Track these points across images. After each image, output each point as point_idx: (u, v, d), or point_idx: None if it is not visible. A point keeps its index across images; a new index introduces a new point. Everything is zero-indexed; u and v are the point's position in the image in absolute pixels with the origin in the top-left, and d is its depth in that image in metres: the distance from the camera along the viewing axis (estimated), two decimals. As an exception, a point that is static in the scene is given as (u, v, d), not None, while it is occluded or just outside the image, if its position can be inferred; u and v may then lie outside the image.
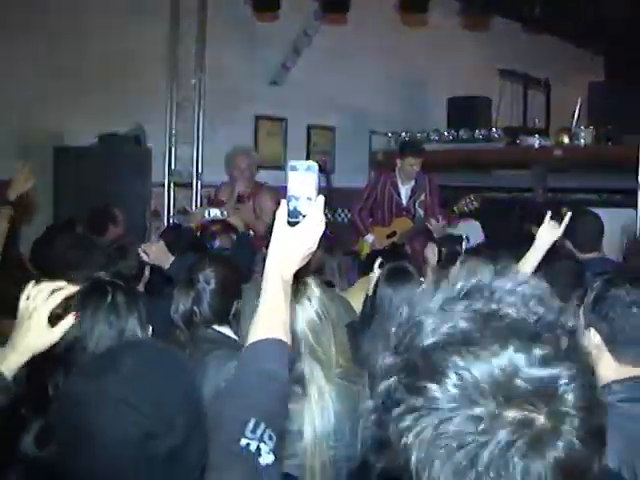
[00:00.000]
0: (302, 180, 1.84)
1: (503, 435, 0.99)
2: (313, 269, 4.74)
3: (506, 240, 8.71)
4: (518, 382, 1.01)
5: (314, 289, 2.57)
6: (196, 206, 9.05)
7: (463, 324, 1.08)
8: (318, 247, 1.87)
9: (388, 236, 7.15)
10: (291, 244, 1.85)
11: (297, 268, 1.89)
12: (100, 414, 1.52)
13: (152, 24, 8.78)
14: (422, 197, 7.26)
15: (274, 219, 1.86)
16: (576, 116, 9.34)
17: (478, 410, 1.01)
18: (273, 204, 6.81)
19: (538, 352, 1.03)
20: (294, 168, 1.85)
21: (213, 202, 7.27)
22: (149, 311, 3.14)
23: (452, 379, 1.03)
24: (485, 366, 1.03)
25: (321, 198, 1.86)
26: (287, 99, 10.17)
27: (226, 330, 3.29)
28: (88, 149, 8.40)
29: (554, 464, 0.99)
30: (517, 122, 10.62)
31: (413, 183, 7.33)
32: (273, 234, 1.88)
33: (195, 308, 3.23)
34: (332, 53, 10.13)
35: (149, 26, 8.73)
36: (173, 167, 9.07)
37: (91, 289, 2.70)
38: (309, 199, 1.84)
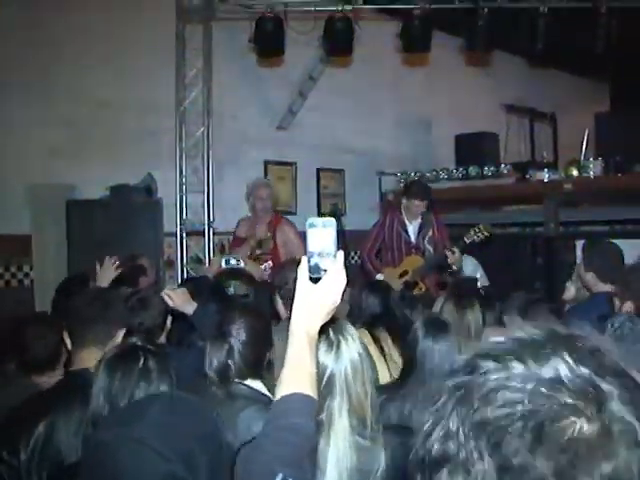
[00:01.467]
0: (321, 236, 1.87)
1: None
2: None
3: (518, 275, 8.71)
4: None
5: (351, 331, 2.49)
6: (209, 254, 9.06)
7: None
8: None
9: (400, 275, 7.10)
10: (315, 300, 1.88)
11: (322, 323, 1.92)
12: (123, 456, 1.59)
13: (158, 73, 8.87)
14: (430, 233, 7.23)
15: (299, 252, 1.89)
16: (584, 148, 9.34)
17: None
18: (297, 236, 7.03)
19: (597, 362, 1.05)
20: (312, 225, 1.88)
21: (233, 241, 7.43)
22: (175, 362, 3.17)
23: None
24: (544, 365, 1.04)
25: (341, 253, 1.88)
26: (295, 143, 10.24)
27: (258, 385, 3.23)
28: (99, 201, 8.42)
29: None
30: (525, 156, 10.65)
31: (420, 220, 7.31)
32: (297, 290, 1.90)
33: (229, 362, 3.18)
34: (337, 96, 10.22)
35: (154, 74, 8.81)
36: (184, 216, 9.08)
37: (123, 354, 2.68)
38: (329, 254, 1.87)
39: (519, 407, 1.01)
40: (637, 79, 8.32)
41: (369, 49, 9.64)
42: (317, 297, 1.88)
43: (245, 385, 3.15)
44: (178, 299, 4.39)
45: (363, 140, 10.51)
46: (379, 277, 7.09)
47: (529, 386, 1.02)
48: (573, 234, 9.28)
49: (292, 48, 8.74)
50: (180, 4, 8.98)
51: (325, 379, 2.38)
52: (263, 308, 4.67)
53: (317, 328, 1.91)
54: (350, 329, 2.48)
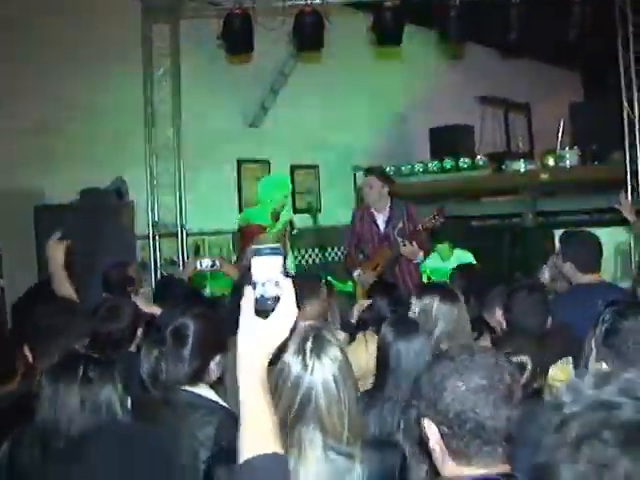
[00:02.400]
0: (267, 264, 1.69)
1: None
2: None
3: (498, 267, 8.64)
4: None
5: (337, 351, 2.33)
6: (183, 256, 8.91)
7: None
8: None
9: (374, 269, 7.05)
10: (262, 338, 1.71)
11: (269, 358, 1.75)
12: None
13: (126, 74, 8.70)
14: (400, 224, 7.15)
15: None
16: (559, 137, 9.30)
17: None
18: None
19: None
20: (258, 252, 1.70)
21: None
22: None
23: None
24: None
25: (289, 281, 1.72)
26: (268, 140, 10.11)
27: (204, 391, 3.10)
28: (69, 206, 8.25)
29: None
30: (500, 147, 10.58)
31: (388, 210, 7.24)
32: (241, 327, 1.72)
33: (160, 366, 3.04)
34: (310, 91, 10.10)
35: (121, 76, 8.64)
36: (157, 218, 8.91)
37: (63, 363, 2.62)
38: (276, 283, 1.69)
39: None
40: (610, 67, 8.27)
41: (340, 43, 9.51)
42: (265, 335, 1.71)
43: (189, 392, 3.02)
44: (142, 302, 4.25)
45: (337, 135, 10.39)
46: (355, 274, 7.06)
47: None
48: (551, 224, 9.23)
49: (262, 44, 8.62)
50: (146, 3, 8.80)
51: (297, 402, 2.26)
52: (234, 311, 4.54)
53: (265, 364, 1.73)
54: (329, 347, 2.33)
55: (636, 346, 2.38)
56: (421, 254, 7.05)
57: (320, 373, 2.27)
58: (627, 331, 2.39)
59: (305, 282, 4.51)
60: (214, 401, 3.07)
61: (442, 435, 1.91)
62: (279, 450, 1.69)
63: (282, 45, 9.32)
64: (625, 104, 8.07)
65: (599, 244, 5.03)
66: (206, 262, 5.93)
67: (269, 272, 1.69)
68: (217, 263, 5.96)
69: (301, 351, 2.27)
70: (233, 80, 9.80)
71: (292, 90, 10.01)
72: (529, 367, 2.97)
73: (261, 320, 1.70)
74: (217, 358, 3.11)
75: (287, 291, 1.70)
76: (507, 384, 1.88)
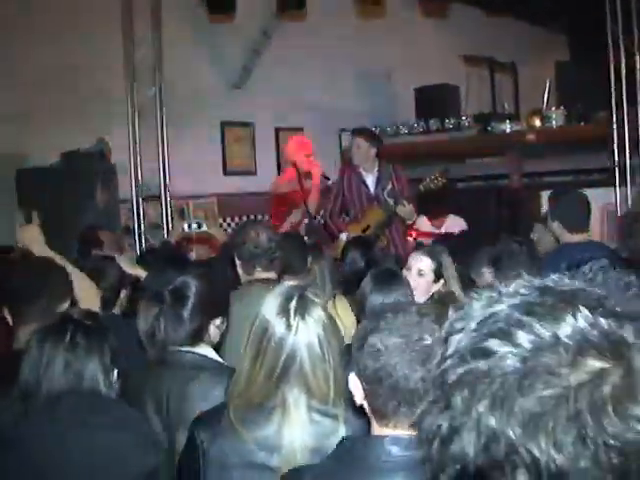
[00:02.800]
0: None
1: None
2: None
3: (484, 228, 8.61)
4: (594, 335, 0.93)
5: (321, 311, 2.32)
6: (167, 219, 8.79)
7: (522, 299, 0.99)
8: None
9: (363, 231, 6.96)
10: None
11: None
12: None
13: (106, 33, 8.53)
14: (389, 186, 7.09)
15: None
16: (546, 97, 9.24)
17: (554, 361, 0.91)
18: None
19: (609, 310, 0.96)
20: None
21: None
22: (127, 333, 3.01)
23: (525, 336, 0.93)
24: (557, 325, 0.94)
25: None
26: (252, 102, 9.97)
27: (206, 351, 3.05)
28: (51, 169, 8.15)
29: None
30: (486, 108, 10.48)
31: (377, 171, 7.18)
32: None
33: (158, 325, 2.98)
34: (293, 52, 9.94)
35: (102, 36, 8.49)
36: (140, 181, 8.76)
37: (51, 327, 2.58)
38: None
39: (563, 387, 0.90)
40: (596, 27, 8.19)
41: (323, 2, 9.38)
42: None
43: (191, 352, 2.97)
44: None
45: (321, 97, 10.26)
46: (342, 237, 6.95)
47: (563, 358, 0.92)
48: (538, 185, 9.21)
49: (245, 4, 8.50)
50: (125, -40, 8.60)
51: (281, 363, 2.25)
52: (224, 273, 4.49)
53: None
54: (313, 307, 2.30)
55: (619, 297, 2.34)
56: (415, 216, 7.02)
57: (304, 334, 2.25)
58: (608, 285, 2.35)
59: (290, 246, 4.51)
60: (218, 361, 3.04)
61: (365, 393, 1.89)
62: None
63: (265, 4, 9.17)
64: (611, 63, 8.01)
65: (587, 203, 5.03)
66: (194, 224, 5.90)
67: None
68: (204, 225, 5.93)
69: (285, 311, 2.25)
70: (216, 40, 9.66)
71: (275, 51, 9.87)
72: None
73: None
74: (217, 321, 3.06)
75: None
76: (425, 344, 1.83)
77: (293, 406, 2.25)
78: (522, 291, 1.00)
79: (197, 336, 2.99)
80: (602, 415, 0.87)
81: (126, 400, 2.71)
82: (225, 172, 10.09)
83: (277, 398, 2.25)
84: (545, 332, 0.93)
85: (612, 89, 7.99)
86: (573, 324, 0.93)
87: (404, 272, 4.13)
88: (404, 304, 2.15)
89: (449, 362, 0.98)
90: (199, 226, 5.89)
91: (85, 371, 2.50)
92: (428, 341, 1.83)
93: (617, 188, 8.05)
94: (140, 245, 8.58)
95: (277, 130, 10.49)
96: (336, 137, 10.48)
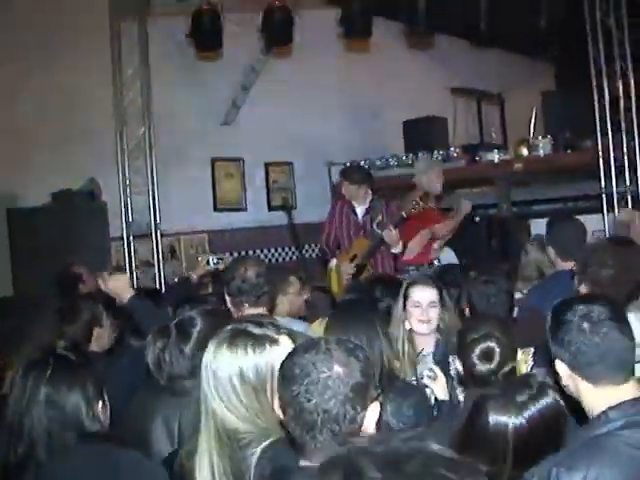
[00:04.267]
0: None
1: None
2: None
3: (476, 258, 8.63)
4: None
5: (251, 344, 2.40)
6: (158, 257, 8.82)
7: None
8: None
9: (351, 260, 7.02)
10: None
11: None
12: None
13: (95, 74, 8.61)
14: (379, 218, 7.13)
15: None
16: (532, 126, 9.31)
17: None
18: None
19: None
20: None
21: None
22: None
23: None
24: None
25: None
26: (241, 138, 10.04)
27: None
28: (42, 209, 8.18)
29: None
30: (474, 139, 10.55)
31: (368, 204, 7.24)
32: None
33: (164, 357, 3.05)
34: (281, 87, 10.00)
35: (91, 75, 8.56)
36: (130, 219, 8.79)
37: (34, 362, 2.59)
38: None
39: None
40: (580, 57, 8.28)
41: (310, 38, 9.46)
42: None
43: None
44: (114, 283, 4.17)
45: (310, 131, 10.32)
46: (332, 263, 7.04)
47: None
48: (526, 214, 9.24)
49: (231, 41, 8.57)
50: (113, 1, 8.68)
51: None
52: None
53: None
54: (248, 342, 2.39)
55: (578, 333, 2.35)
56: (400, 245, 7.02)
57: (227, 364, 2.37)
58: (568, 322, 2.36)
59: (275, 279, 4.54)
60: None
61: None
62: None
63: (252, 41, 9.26)
64: (595, 92, 8.09)
65: (583, 231, 5.00)
66: (215, 259, 5.81)
67: None
68: (224, 260, 5.87)
69: (219, 343, 2.39)
70: (204, 78, 9.74)
71: (263, 87, 9.94)
72: (497, 351, 2.97)
73: None
74: None
75: None
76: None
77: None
78: None
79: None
80: None
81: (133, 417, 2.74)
82: (215, 208, 10.11)
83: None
84: None
85: (596, 117, 8.06)
86: None
87: (401, 302, 4.13)
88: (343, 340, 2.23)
89: None
90: (219, 261, 5.83)
91: (67, 405, 2.48)
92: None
93: (605, 215, 8.10)
94: (133, 282, 8.57)
95: (267, 165, 10.54)
96: (325, 170, 10.51)
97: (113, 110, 8.69)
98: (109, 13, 8.63)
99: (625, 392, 2.28)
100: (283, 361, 2.04)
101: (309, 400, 1.90)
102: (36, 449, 2.39)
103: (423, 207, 6.72)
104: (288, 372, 1.97)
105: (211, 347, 2.39)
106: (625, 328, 2.33)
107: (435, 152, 9.61)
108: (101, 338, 4.36)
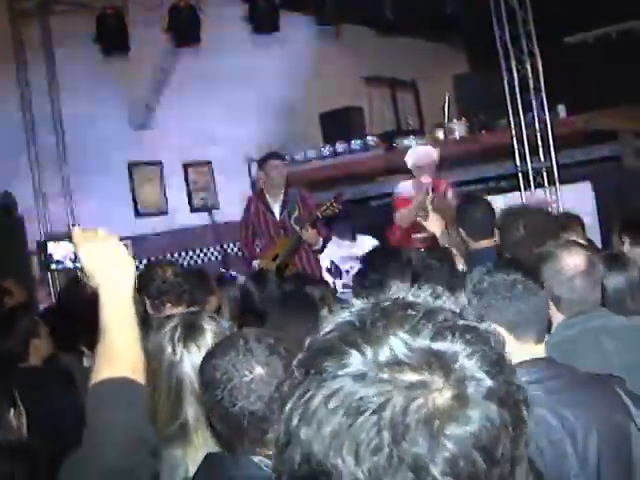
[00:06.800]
0: None
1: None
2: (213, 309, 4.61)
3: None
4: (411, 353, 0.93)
5: (210, 339, 2.38)
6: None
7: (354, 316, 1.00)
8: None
9: (273, 259, 7.01)
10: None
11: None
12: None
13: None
14: (296, 213, 7.13)
15: None
16: (446, 111, 9.42)
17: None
18: None
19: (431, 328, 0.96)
20: None
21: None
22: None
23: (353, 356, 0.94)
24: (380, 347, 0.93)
25: None
26: (157, 141, 9.88)
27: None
28: (-45, 228, 7.96)
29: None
30: (390, 126, 10.64)
31: (282, 197, 7.22)
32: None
33: None
34: (194, 87, 9.90)
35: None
36: (48, 230, 8.60)
37: None
38: None
39: (368, 404, 0.89)
40: (489, 38, 8.40)
41: (219, 35, 9.39)
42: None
43: None
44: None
45: (227, 129, 10.22)
46: (254, 265, 7.02)
47: (371, 376, 0.91)
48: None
49: (139, 42, 8.44)
50: (12, 5, 8.44)
51: (172, 388, 2.34)
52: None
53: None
54: (200, 336, 2.39)
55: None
56: (321, 241, 7.05)
57: (188, 359, 2.34)
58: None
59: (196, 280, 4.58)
60: None
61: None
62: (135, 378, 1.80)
63: (160, 41, 9.14)
64: (505, 73, 8.21)
65: (490, 209, 5.10)
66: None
67: None
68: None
69: (171, 339, 2.36)
70: (114, 82, 9.55)
71: (175, 87, 9.81)
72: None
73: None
74: None
75: None
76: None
77: (193, 425, 2.29)
78: (355, 310, 1.01)
79: None
80: (405, 433, 0.87)
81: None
82: (137, 213, 9.96)
83: (177, 421, 2.30)
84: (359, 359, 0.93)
85: (507, 98, 8.19)
86: (390, 346, 0.93)
87: None
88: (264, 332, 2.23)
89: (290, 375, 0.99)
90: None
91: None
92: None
93: (522, 193, 8.24)
94: (56, 294, 8.41)
95: (185, 166, 10.42)
96: (245, 168, 10.45)
97: (22, 119, 8.49)
98: (9, 17, 8.43)
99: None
100: (202, 364, 2.03)
101: (234, 405, 1.90)
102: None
103: (338, 208, 6.77)
104: (208, 376, 1.97)
105: None
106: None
107: (352, 142, 9.66)
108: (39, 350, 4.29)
